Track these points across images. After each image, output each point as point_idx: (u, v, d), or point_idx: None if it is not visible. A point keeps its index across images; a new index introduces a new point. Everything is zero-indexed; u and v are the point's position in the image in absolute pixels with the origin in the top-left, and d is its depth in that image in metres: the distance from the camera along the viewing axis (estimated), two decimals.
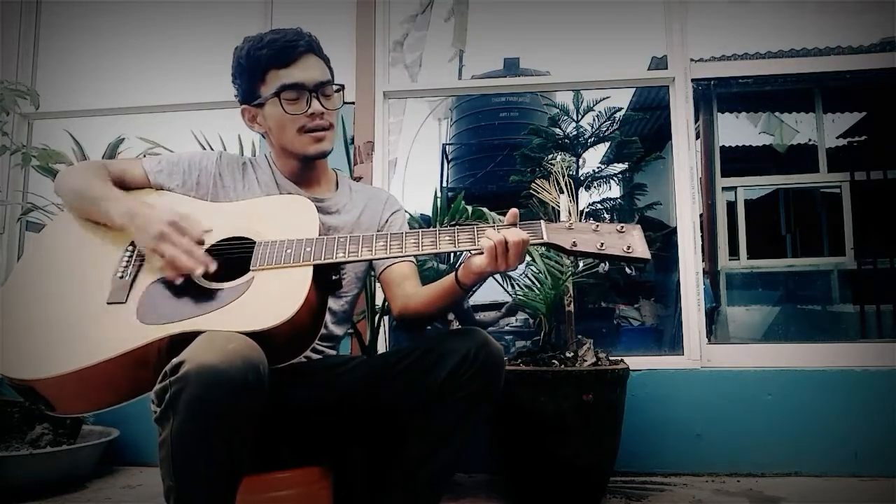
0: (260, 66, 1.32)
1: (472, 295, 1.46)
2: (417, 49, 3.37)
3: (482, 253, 1.12)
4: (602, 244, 1.12)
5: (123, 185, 1.32)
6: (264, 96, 1.33)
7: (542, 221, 1.16)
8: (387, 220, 1.48)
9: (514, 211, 1.17)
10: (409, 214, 1.65)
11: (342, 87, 1.39)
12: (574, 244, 1.13)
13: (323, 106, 1.33)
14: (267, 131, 1.38)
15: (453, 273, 1.25)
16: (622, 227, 1.14)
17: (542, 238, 1.14)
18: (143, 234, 1.14)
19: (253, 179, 1.39)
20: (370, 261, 1.43)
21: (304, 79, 1.31)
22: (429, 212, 2.07)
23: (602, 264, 1.18)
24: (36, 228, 2.74)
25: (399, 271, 1.41)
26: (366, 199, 1.49)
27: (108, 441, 2.22)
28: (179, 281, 1.11)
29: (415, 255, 1.34)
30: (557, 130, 4.22)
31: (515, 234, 1.11)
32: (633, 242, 1.12)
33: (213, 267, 1.10)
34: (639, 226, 1.15)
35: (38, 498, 1.98)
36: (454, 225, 1.90)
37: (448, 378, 1.16)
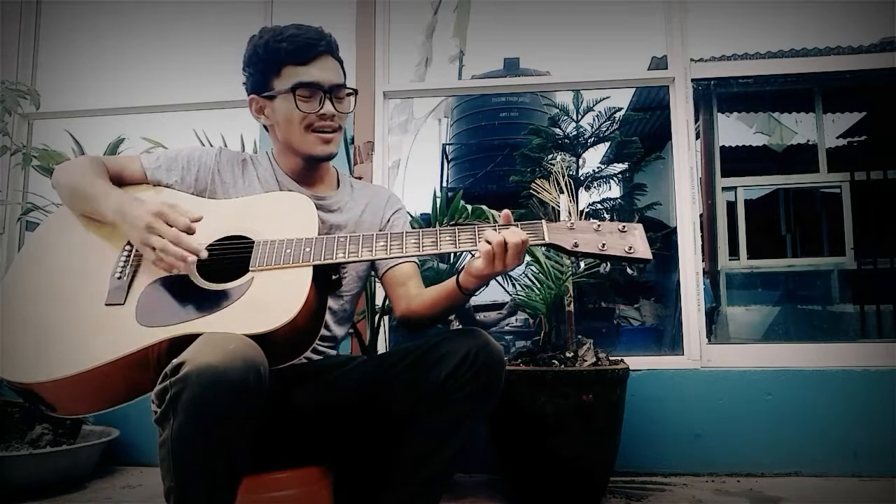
0: (278, 58, 1.31)
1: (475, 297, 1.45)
2: (426, 50, 3.39)
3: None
4: (604, 244, 1.11)
5: (122, 181, 1.32)
6: (277, 90, 1.32)
7: (543, 221, 1.15)
8: (389, 219, 1.48)
9: (506, 212, 1.17)
10: (410, 215, 1.65)
11: (355, 92, 1.39)
12: (575, 245, 1.12)
13: (335, 108, 1.33)
14: (273, 125, 1.37)
15: (454, 277, 1.25)
16: (624, 226, 1.13)
17: (544, 239, 1.13)
18: (133, 228, 1.14)
19: (253, 176, 1.39)
20: (371, 261, 1.43)
21: (321, 79, 1.31)
22: (428, 210, 2.07)
23: (604, 264, 1.17)
24: (35, 229, 2.74)
25: (402, 272, 1.40)
26: (368, 197, 1.49)
27: (108, 441, 2.22)
28: (174, 272, 1.10)
29: (416, 256, 1.34)
30: (557, 130, 4.22)
31: (514, 235, 1.10)
32: (634, 242, 1.11)
33: (203, 254, 1.10)
34: (640, 225, 1.14)
35: (38, 498, 1.98)
36: (454, 224, 1.90)
37: (448, 378, 1.16)
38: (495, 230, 1.12)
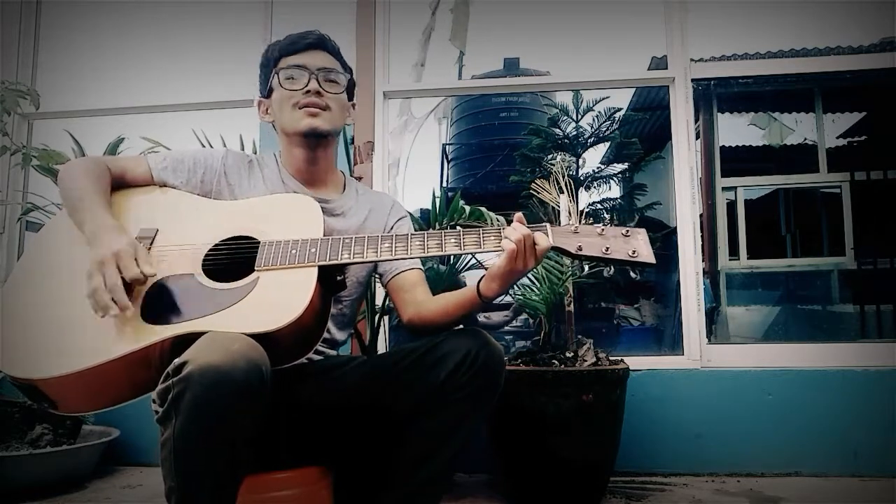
0: (273, 57, 1.39)
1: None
2: (425, 50, 3.40)
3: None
4: (607, 248, 1.12)
5: (126, 182, 1.32)
6: (273, 82, 1.37)
7: (547, 225, 1.16)
8: (392, 227, 1.48)
9: (519, 215, 1.17)
10: (409, 213, 1.65)
11: (350, 77, 1.43)
12: (580, 248, 1.13)
13: (321, 87, 1.35)
14: (275, 120, 1.41)
15: (475, 285, 1.25)
16: (627, 230, 1.14)
17: (548, 242, 1.14)
18: (90, 257, 1.10)
19: (259, 178, 1.39)
20: (375, 263, 1.43)
21: (307, 62, 1.36)
22: (428, 206, 2.07)
23: (607, 267, 1.18)
24: (36, 228, 2.74)
25: (408, 279, 1.40)
26: (371, 203, 1.49)
27: (108, 441, 2.22)
28: (99, 313, 1.05)
29: (421, 258, 1.34)
30: (557, 130, 4.23)
31: (540, 237, 1.13)
32: (638, 247, 1.12)
33: (129, 313, 1.05)
34: (643, 230, 1.15)
35: (38, 498, 1.98)
36: (454, 225, 1.90)
37: (448, 378, 1.16)
38: (500, 232, 1.14)
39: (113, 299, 1.04)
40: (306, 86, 1.34)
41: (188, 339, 0.98)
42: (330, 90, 1.37)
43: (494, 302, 1.24)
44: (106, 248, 1.09)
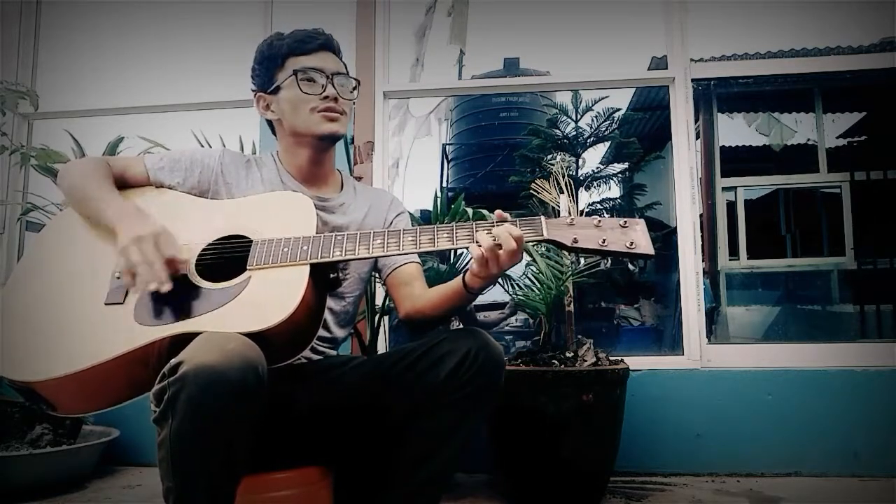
0: (280, 53, 1.36)
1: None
2: (420, 49, 3.40)
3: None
4: (604, 240, 1.09)
5: (125, 182, 1.32)
6: (281, 80, 1.35)
7: (542, 217, 1.13)
8: (391, 222, 1.48)
9: (499, 213, 1.14)
10: (410, 214, 1.65)
11: (358, 83, 1.42)
12: (575, 241, 1.09)
13: (338, 92, 1.35)
14: (279, 118, 1.39)
15: (461, 276, 1.25)
16: (625, 222, 1.11)
17: (543, 235, 1.11)
18: (123, 235, 1.12)
19: (257, 177, 1.39)
20: (369, 259, 1.43)
21: (322, 65, 1.35)
22: (427, 206, 2.07)
23: (604, 260, 1.16)
24: (36, 228, 2.74)
25: (406, 272, 1.40)
26: (370, 199, 1.49)
27: (108, 441, 2.22)
28: (131, 290, 1.08)
29: (414, 253, 1.34)
30: (557, 131, 4.23)
31: (506, 233, 1.08)
32: (636, 238, 1.08)
33: (165, 287, 1.07)
34: (642, 221, 1.11)
35: (38, 498, 1.98)
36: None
37: (448, 378, 1.15)
38: (489, 231, 1.10)
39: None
40: (324, 90, 1.33)
41: (184, 340, 0.98)
42: (344, 95, 1.37)
43: (493, 301, 1.24)
44: (146, 227, 1.12)
